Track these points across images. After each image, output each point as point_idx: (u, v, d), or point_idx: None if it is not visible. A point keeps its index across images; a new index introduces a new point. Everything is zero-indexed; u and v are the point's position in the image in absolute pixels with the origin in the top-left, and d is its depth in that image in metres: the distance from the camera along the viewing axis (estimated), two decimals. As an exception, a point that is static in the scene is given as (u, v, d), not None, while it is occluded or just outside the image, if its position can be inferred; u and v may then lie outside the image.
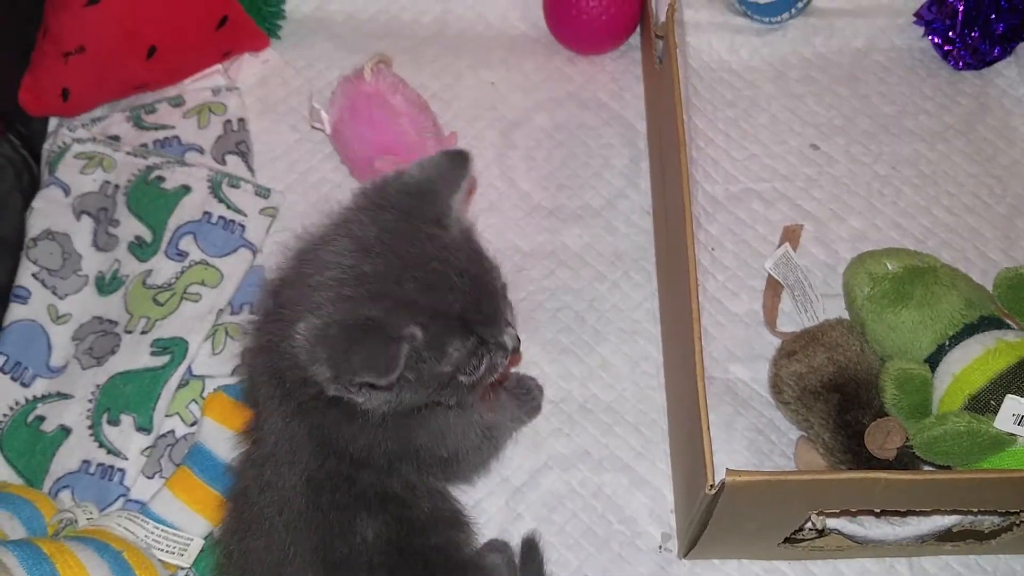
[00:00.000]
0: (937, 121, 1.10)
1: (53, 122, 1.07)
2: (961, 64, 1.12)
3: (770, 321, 0.97)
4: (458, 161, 0.73)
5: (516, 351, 0.75)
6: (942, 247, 1.02)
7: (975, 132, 1.10)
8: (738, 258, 1.01)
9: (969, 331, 0.85)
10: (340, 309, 0.66)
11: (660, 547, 0.88)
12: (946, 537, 0.82)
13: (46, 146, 1.05)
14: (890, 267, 0.89)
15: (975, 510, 0.78)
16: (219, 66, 1.09)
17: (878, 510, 0.78)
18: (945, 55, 1.13)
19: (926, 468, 0.84)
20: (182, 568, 0.83)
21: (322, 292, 0.67)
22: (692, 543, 0.83)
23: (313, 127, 1.05)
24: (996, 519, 0.81)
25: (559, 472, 0.91)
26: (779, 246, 0.99)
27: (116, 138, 1.05)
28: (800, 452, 0.89)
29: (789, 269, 0.97)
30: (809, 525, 0.78)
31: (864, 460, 0.84)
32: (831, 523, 0.79)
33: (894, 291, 0.88)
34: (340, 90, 1.01)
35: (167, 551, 0.82)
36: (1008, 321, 0.87)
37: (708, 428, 0.72)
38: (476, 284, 0.70)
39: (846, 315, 0.94)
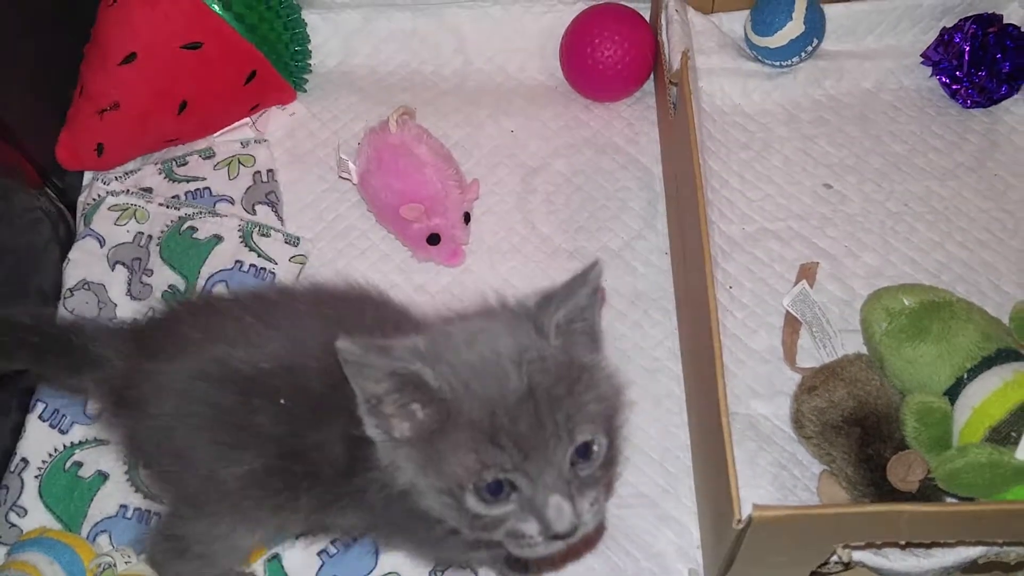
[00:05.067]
0: (947, 158, 1.13)
1: (88, 175, 1.11)
2: (969, 103, 1.15)
3: (790, 357, 0.98)
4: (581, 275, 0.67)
5: (563, 536, 0.62)
6: (957, 281, 1.04)
7: (985, 168, 1.12)
8: (756, 296, 1.03)
9: (987, 364, 0.86)
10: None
11: (687, 583, 0.89)
12: (972, 569, 0.83)
13: (81, 199, 1.09)
14: (907, 302, 0.91)
15: (1000, 541, 0.79)
16: (248, 119, 1.13)
17: (903, 542, 0.79)
18: (953, 94, 1.16)
19: (949, 500, 0.85)
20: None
21: None
22: (719, 579, 0.84)
23: (341, 177, 1.08)
24: (1022, 550, 0.81)
25: (586, 510, 0.92)
26: (796, 283, 1.01)
27: (149, 190, 1.09)
28: (823, 486, 0.90)
29: (807, 306, 0.99)
30: (835, 559, 0.79)
31: (886, 493, 0.85)
32: (856, 556, 0.80)
33: (911, 326, 0.90)
34: (367, 141, 1.05)
35: (203, 593, 0.84)
36: (1025, 353, 0.88)
37: (734, 464, 0.73)
38: (539, 410, 0.61)
39: (864, 350, 0.95)
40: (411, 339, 0.63)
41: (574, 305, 0.65)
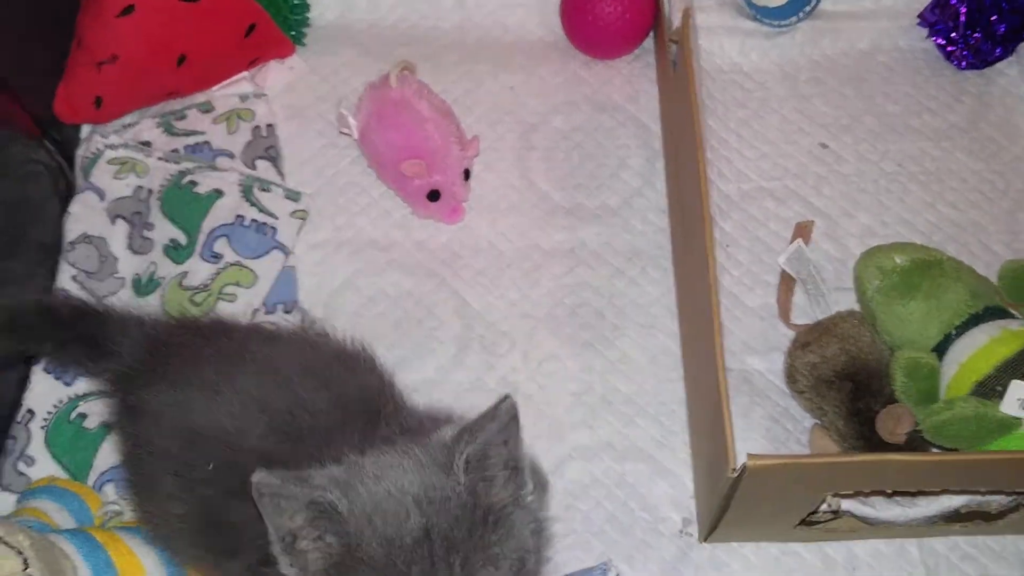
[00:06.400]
0: (941, 120, 1.14)
1: (86, 129, 1.10)
2: (964, 64, 1.16)
3: (784, 314, 1.00)
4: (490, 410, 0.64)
5: None
6: (948, 241, 1.06)
7: (978, 130, 1.13)
8: (752, 254, 1.05)
9: (975, 321, 0.89)
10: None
11: (681, 532, 0.91)
12: (955, 518, 0.86)
13: (79, 152, 1.08)
14: (899, 261, 0.93)
15: (982, 491, 0.82)
16: (246, 73, 1.13)
17: (890, 491, 0.82)
18: (948, 55, 1.17)
19: (935, 451, 0.88)
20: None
21: None
22: (712, 527, 0.86)
23: (342, 132, 1.09)
24: (1003, 499, 0.84)
25: (583, 462, 0.95)
26: (791, 242, 1.03)
27: (147, 144, 1.09)
28: (814, 439, 0.93)
29: (802, 264, 1.01)
30: (824, 507, 0.82)
31: (875, 445, 0.87)
32: (845, 504, 0.83)
33: (903, 284, 0.92)
34: (367, 96, 1.05)
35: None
36: (1012, 311, 0.91)
37: (730, 416, 0.76)
38: (433, 552, 0.60)
39: (857, 307, 0.97)
40: (328, 469, 0.63)
41: (482, 442, 0.62)
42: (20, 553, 0.68)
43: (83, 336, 0.84)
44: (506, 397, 0.62)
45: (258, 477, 0.58)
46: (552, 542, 0.81)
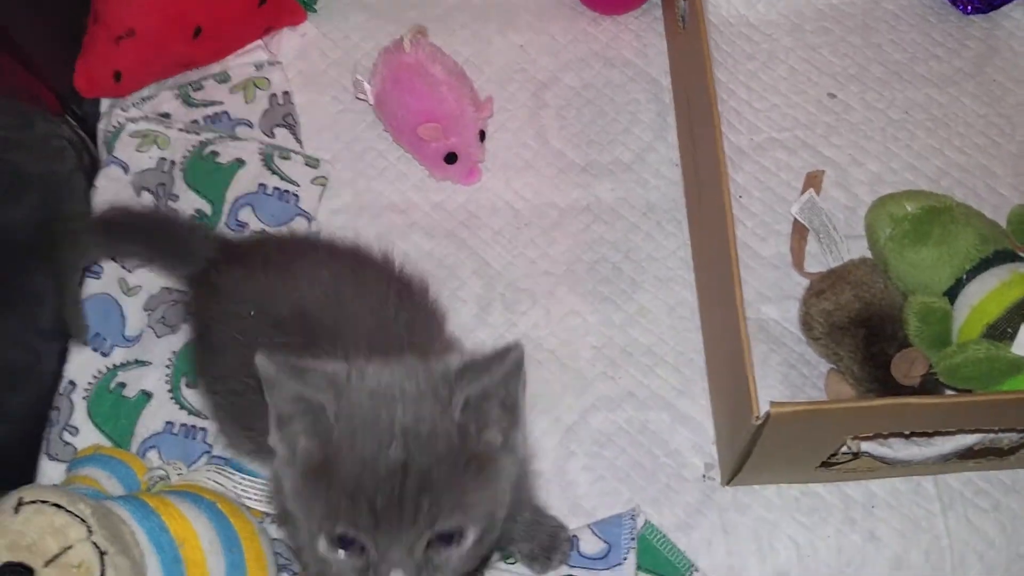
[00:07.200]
0: (947, 65, 1.16)
1: (105, 103, 1.11)
2: (969, 8, 1.17)
3: (798, 263, 1.03)
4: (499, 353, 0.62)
5: None
6: (955, 186, 1.08)
7: (984, 74, 1.15)
8: (765, 205, 1.07)
9: (985, 265, 0.91)
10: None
11: (704, 476, 0.95)
12: (968, 455, 0.89)
13: (101, 126, 1.10)
14: (909, 208, 0.95)
15: (995, 428, 0.85)
16: (260, 42, 1.14)
17: (907, 432, 0.85)
18: (953, 1, 1.17)
19: (949, 393, 0.91)
20: (269, 514, 0.90)
21: None
22: (735, 471, 0.90)
23: (358, 98, 1.10)
24: (1014, 436, 0.87)
25: (606, 412, 0.98)
26: (803, 192, 1.05)
27: (167, 115, 1.10)
28: (830, 383, 0.96)
29: (814, 213, 1.03)
30: (844, 449, 0.85)
31: (890, 388, 0.90)
32: (864, 446, 0.86)
33: (914, 231, 0.94)
34: (381, 61, 1.06)
35: (255, 499, 0.88)
36: (1021, 254, 0.93)
37: (752, 364, 0.79)
38: (404, 486, 0.58)
39: (869, 254, 1.00)
40: (331, 365, 0.62)
41: (486, 383, 0.60)
42: (83, 521, 0.71)
43: (165, 239, 0.93)
44: (516, 344, 0.61)
45: (260, 359, 0.59)
46: (529, 503, 0.81)
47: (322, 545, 0.61)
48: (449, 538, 0.61)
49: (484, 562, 0.66)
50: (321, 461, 0.60)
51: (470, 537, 0.62)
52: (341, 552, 0.61)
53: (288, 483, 0.63)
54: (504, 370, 0.61)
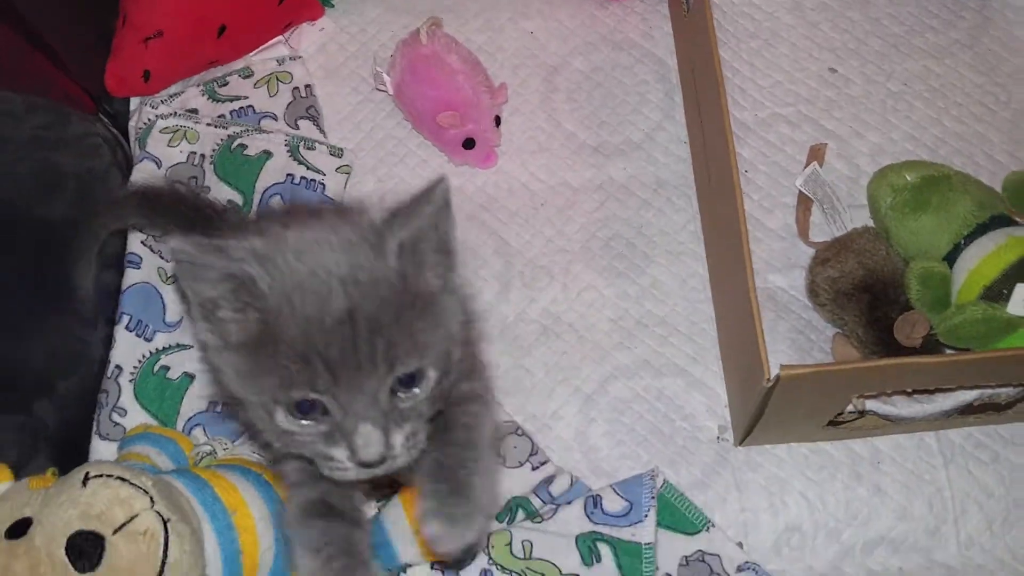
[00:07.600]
0: (944, 37, 1.19)
1: (135, 101, 1.16)
2: (964, -19, 1.20)
3: (803, 233, 1.07)
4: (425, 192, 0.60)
5: (371, 465, 0.59)
6: (953, 154, 1.12)
7: (980, 44, 1.18)
8: (770, 178, 1.12)
9: (982, 230, 0.95)
10: None
11: (718, 438, 1.00)
12: (968, 411, 0.94)
13: (132, 123, 1.15)
14: (909, 178, 0.99)
15: (993, 384, 0.89)
16: (281, 37, 1.18)
17: (910, 390, 0.90)
18: (949, -27, 1.21)
19: (949, 352, 0.96)
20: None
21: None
22: (747, 432, 0.95)
23: (378, 89, 1.15)
24: (1011, 391, 0.91)
25: (624, 380, 1.03)
26: (807, 165, 1.09)
27: (195, 111, 1.15)
28: (837, 346, 1.01)
29: (818, 185, 1.07)
30: (850, 408, 0.90)
31: (894, 349, 0.95)
32: (869, 405, 0.91)
33: (913, 200, 0.98)
34: (399, 53, 1.10)
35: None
36: (1016, 219, 0.97)
37: (762, 330, 0.84)
38: (356, 334, 0.57)
39: (871, 223, 1.04)
40: (247, 239, 0.60)
41: (417, 226, 0.59)
42: (146, 492, 0.76)
43: (196, 211, 0.95)
44: (441, 179, 0.59)
45: (175, 243, 0.57)
46: (481, 340, 0.78)
47: (280, 417, 0.59)
48: (410, 381, 0.59)
49: (441, 402, 0.64)
50: (260, 333, 0.58)
51: (431, 377, 0.60)
52: (303, 420, 0.59)
53: (229, 368, 0.61)
54: (433, 209, 0.59)
